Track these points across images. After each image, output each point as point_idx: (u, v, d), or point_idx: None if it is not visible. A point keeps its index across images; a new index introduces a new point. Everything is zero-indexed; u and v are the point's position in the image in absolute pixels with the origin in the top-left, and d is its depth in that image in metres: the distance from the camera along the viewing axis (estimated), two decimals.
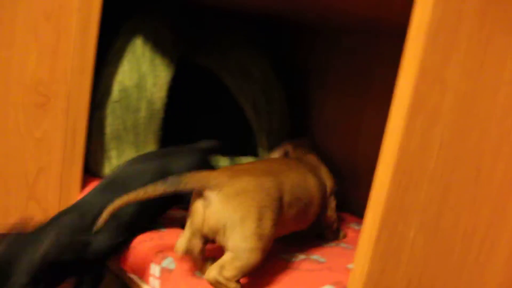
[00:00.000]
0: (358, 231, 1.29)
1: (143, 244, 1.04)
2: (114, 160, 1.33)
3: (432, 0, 0.54)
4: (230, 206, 0.82)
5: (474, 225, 0.71)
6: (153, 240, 1.05)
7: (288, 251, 1.08)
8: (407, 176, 0.61)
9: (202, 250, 0.88)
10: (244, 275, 0.83)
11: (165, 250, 1.01)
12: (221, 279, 0.81)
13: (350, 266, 1.04)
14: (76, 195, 1.25)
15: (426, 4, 0.55)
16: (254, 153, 1.53)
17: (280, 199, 0.88)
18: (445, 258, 0.70)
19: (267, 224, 0.84)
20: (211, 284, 0.82)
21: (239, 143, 1.57)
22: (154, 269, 0.98)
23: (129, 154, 1.33)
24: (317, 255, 1.08)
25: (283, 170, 0.95)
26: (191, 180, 0.82)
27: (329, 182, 1.13)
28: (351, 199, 1.51)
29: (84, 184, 1.29)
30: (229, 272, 0.81)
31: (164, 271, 0.96)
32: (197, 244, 0.87)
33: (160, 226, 1.11)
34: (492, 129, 0.66)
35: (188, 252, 0.88)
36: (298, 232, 1.07)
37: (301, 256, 1.06)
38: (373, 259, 0.64)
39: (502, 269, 0.76)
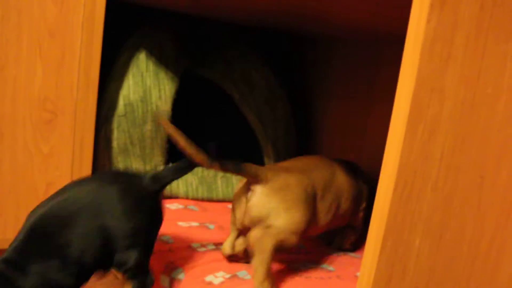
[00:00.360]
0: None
1: (152, 256, 1.04)
2: None
3: (427, 11, 0.55)
4: (275, 198, 0.93)
5: (480, 231, 0.71)
6: (162, 253, 1.05)
7: (298, 260, 1.08)
8: (409, 185, 0.61)
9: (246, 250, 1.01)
10: (281, 250, 0.93)
11: (174, 261, 1.02)
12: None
13: (358, 274, 1.04)
14: None
15: (421, 15, 0.55)
16: (260, 162, 1.53)
17: (314, 194, 0.99)
18: (451, 265, 0.70)
19: (306, 214, 0.95)
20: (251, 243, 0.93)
21: (245, 152, 1.58)
22: (164, 281, 0.99)
23: (137, 167, 1.34)
24: (326, 264, 1.08)
25: (315, 168, 1.05)
26: (249, 170, 0.93)
27: (365, 188, 1.18)
28: None
29: None
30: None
31: (174, 282, 0.97)
32: (241, 244, 1.01)
33: (168, 239, 1.12)
34: (493, 136, 0.66)
35: (234, 252, 1.01)
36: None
37: (311, 265, 1.06)
38: (379, 268, 0.64)
39: (510, 274, 0.75)
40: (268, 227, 0.92)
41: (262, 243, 0.90)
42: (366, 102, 1.49)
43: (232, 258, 1.03)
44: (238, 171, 0.92)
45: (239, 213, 0.96)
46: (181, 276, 0.97)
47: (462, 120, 0.63)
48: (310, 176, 1.00)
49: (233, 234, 1.01)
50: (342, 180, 1.08)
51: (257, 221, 0.93)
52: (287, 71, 1.80)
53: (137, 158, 1.33)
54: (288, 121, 1.59)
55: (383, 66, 1.44)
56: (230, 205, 1.31)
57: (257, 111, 1.50)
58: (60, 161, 1.22)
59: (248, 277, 0.96)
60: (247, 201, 0.94)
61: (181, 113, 1.52)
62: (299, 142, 1.67)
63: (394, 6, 0.81)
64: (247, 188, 0.95)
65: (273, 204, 0.93)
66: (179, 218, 1.27)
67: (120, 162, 1.33)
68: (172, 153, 1.45)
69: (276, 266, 1.02)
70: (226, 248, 1.02)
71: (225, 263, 1.02)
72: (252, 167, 0.93)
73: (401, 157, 0.60)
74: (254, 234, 0.92)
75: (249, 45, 1.58)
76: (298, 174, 0.98)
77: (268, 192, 0.94)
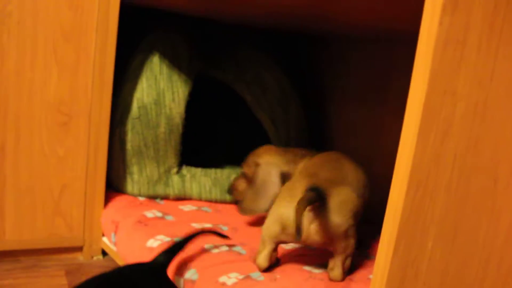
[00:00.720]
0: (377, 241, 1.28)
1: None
2: (136, 176, 1.35)
3: (439, 12, 0.55)
4: (341, 216, 0.95)
5: (494, 235, 0.70)
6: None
7: (312, 262, 1.08)
8: (422, 188, 0.61)
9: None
10: None
11: (188, 262, 1.02)
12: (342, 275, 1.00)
13: (371, 276, 1.03)
14: (99, 210, 1.28)
15: (433, 17, 0.55)
16: None
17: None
18: (464, 268, 0.70)
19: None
20: (339, 281, 1.00)
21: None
22: (178, 282, 0.99)
23: (150, 169, 1.35)
24: None
25: (349, 175, 1.09)
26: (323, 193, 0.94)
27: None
28: (371, 205, 1.50)
29: (107, 199, 1.32)
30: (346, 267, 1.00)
31: (188, 283, 0.97)
32: (275, 256, 1.03)
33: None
34: (507, 138, 0.66)
35: (270, 264, 1.01)
36: None
37: (324, 268, 1.06)
38: (391, 270, 0.64)
39: None
40: (338, 266, 0.99)
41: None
42: (380, 104, 1.49)
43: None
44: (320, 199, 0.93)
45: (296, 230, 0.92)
46: (194, 277, 0.98)
47: (475, 122, 0.62)
48: (351, 187, 1.04)
49: (269, 248, 1.00)
50: (361, 180, 1.13)
51: (329, 240, 0.96)
52: (300, 73, 1.79)
53: (151, 160, 1.34)
54: (301, 123, 1.59)
55: (397, 68, 1.43)
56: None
57: (269, 113, 1.50)
58: (75, 163, 1.24)
59: (262, 278, 0.96)
60: (315, 219, 0.94)
61: (194, 115, 1.53)
62: (311, 144, 1.67)
63: (406, 7, 0.81)
64: (303, 206, 0.90)
65: (342, 222, 0.95)
66: (193, 219, 1.27)
67: (134, 164, 1.34)
68: (185, 155, 1.46)
69: (290, 268, 1.02)
70: (264, 262, 1.00)
71: (238, 264, 1.02)
72: (320, 189, 0.95)
73: (414, 159, 0.59)
74: (339, 275, 0.99)
75: (261, 47, 1.58)
76: (349, 186, 1.03)
77: (339, 210, 0.96)
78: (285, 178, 1.23)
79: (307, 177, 1.02)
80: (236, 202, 1.38)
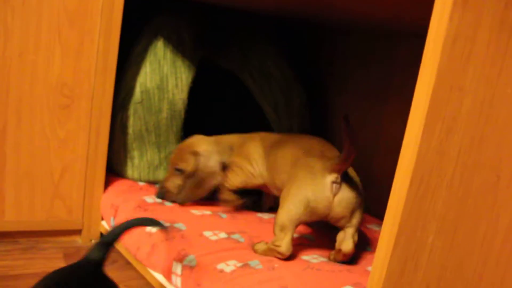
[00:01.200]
0: (378, 233, 1.29)
1: (165, 243, 1.05)
2: (136, 160, 1.35)
3: (450, 8, 0.54)
4: (358, 190, 1.03)
5: (494, 231, 0.71)
6: (175, 239, 1.06)
7: (310, 252, 1.09)
8: (425, 182, 0.61)
9: None
10: None
11: (186, 248, 1.03)
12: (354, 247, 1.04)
13: (369, 268, 1.04)
14: (99, 194, 1.28)
15: (443, 12, 0.55)
16: None
17: None
18: (463, 263, 0.70)
19: None
20: (350, 254, 1.04)
21: None
22: (176, 267, 1.00)
23: (151, 154, 1.35)
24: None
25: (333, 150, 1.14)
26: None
27: None
28: (371, 200, 1.51)
29: (107, 183, 1.32)
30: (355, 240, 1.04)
31: (186, 268, 0.98)
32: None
33: (181, 226, 1.13)
34: (511, 135, 0.66)
35: None
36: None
37: (322, 258, 1.06)
38: (391, 263, 0.64)
39: None
40: (352, 239, 1.03)
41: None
42: (382, 97, 1.49)
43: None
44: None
45: (323, 209, 1.01)
46: (193, 263, 0.98)
47: (481, 118, 0.62)
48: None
49: (291, 233, 1.01)
50: None
51: (345, 215, 1.03)
52: (304, 64, 1.79)
53: (152, 145, 1.34)
54: (303, 113, 1.58)
55: (399, 61, 1.43)
56: None
57: (272, 102, 1.50)
58: (75, 146, 1.24)
59: (260, 266, 0.97)
60: (339, 192, 1.01)
61: (198, 101, 1.53)
62: (313, 134, 1.67)
63: (416, 2, 0.81)
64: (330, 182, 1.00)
65: (357, 199, 1.03)
66: (192, 205, 1.28)
67: (135, 149, 1.34)
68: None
69: (286, 259, 1.03)
70: (289, 248, 1.01)
71: (237, 252, 1.03)
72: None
73: (418, 154, 0.59)
74: (351, 248, 1.03)
75: (266, 37, 1.58)
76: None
77: (355, 184, 1.04)
78: (223, 167, 1.24)
79: (318, 157, 1.04)
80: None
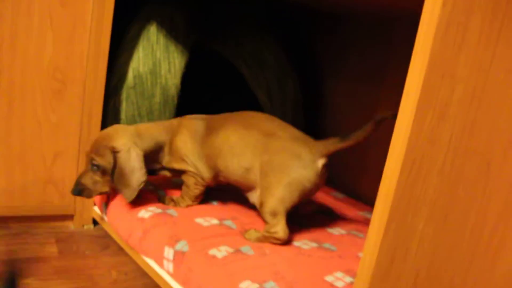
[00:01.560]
0: (370, 220, 1.30)
1: (157, 228, 1.06)
2: None
3: None
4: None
5: (484, 217, 0.71)
6: (167, 225, 1.06)
7: (301, 238, 1.09)
8: (415, 169, 0.62)
9: None
10: None
11: (178, 233, 1.03)
12: None
13: (360, 254, 1.05)
14: None
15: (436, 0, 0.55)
16: None
17: None
18: (454, 250, 0.71)
19: None
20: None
21: None
22: (168, 252, 1.00)
23: None
24: (329, 244, 1.09)
25: None
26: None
27: None
28: (362, 186, 1.51)
29: None
30: None
31: (178, 254, 0.98)
32: None
33: (173, 212, 1.13)
34: (503, 122, 0.66)
35: None
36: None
37: (313, 244, 1.07)
38: (381, 249, 0.65)
39: (511, 262, 0.76)
40: None
41: None
42: (376, 84, 1.49)
43: None
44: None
45: (310, 190, 1.06)
46: (185, 248, 0.98)
47: (472, 106, 0.63)
48: None
49: (285, 217, 1.04)
50: None
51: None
52: (298, 51, 1.78)
53: None
54: (297, 100, 1.58)
55: (395, 46, 1.43)
56: None
57: (266, 88, 1.49)
58: (68, 130, 1.23)
59: (252, 252, 0.97)
60: (323, 175, 1.07)
61: (191, 87, 1.52)
62: (306, 120, 1.67)
63: None
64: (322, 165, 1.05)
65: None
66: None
67: None
68: None
69: (278, 245, 1.03)
70: (287, 232, 1.03)
71: (228, 237, 1.03)
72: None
73: (409, 140, 0.60)
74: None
75: (261, 23, 1.57)
76: None
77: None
78: (146, 158, 1.12)
79: (285, 138, 1.07)
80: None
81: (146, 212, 1.11)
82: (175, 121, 1.19)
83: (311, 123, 1.71)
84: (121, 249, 1.19)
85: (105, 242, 1.23)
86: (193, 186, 1.16)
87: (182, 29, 1.36)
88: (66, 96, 1.21)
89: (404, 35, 1.40)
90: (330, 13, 1.59)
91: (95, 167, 1.10)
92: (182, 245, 0.99)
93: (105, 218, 1.22)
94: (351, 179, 1.55)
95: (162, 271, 1.02)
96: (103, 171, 1.10)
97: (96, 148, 1.10)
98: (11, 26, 1.12)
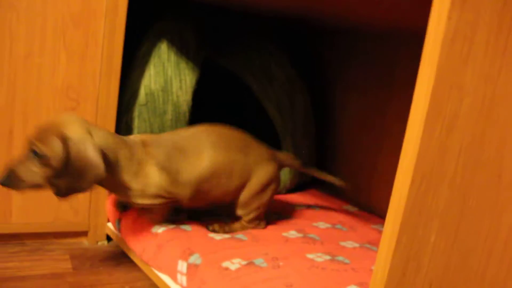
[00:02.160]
0: (375, 234, 1.29)
1: (170, 242, 1.06)
2: None
3: (448, 7, 0.55)
4: None
5: (497, 229, 0.71)
6: (180, 239, 1.07)
7: (314, 250, 1.09)
8: (426, 181, 0.62)
9: None
10: None
11: (191, 247, 1.04)
12: None
13: (373, 267, 1.04)
14: (105, 195, 1.29)
15: (441, 12, 0.55)
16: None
17: None
18: (466, 262, 0.70)
19: None
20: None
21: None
22: (182, 266, 1.01)
23: None
24: (342, 257, 1.09)
25: None
26: None
27: None
28: (375, 198, 1.51)
29: None
30: None
31: (191, 267, 0.98)
32: None
33: (187, 227, 1.14)
34: None
35: None
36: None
37: (326, 257, 1.07)
38: (393, 262, 0.65)
39: None
40: None
41: None
42: (384, 97, 1.49)
43: None
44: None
45: None
46: (198, 261, 0.99)
47: (481, 117, 0.63)
48: None
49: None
50: None
51: None
52: (306, 64, 1.79)
53: None
54: (307, 114, 1.59)
55: (401, 61, 1.43)
56: None
57: (275, 102, 1.50)
58: None
59: (265, 264, 0.97)
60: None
61: (202, 103, 1.53)
62: (317, 135, 1.67)
63: (415, 2, 0.81)
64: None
65: None
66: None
67: None
68: None
69: (292, 255, 1.03)
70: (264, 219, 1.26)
71: (241, 250, 1.04)
72: None
73: (419, 153, 0.60)
74: None
75: (269, 37, 1.58)
76: None
77: None
78: (107, 159, 0.96)
79: (259, 152, 1.19)
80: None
81: (159, 228, 1.12)
82: (131, 142, 1.03)
83: (321, 134, 1.71)
84: (135, 264, 1.20)
85: (119, 258, 1.23)
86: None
87: (192, 46, 1.38)
88: (79, 114, 1.22)
89: (409, 50, 1.40)
90: (335, 28, 1.60)
91: (35, 155, 0.92)
92: (195, 258, 1.00)
93: (119, 234, 1.23)
94: (362, 191, 1.54)
95: (176, 286, 1.02)
96: (44, 162, 0.92)
97: (41, 134, 0.92)
98: (26, 46, 1.14)
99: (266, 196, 1.18)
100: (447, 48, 0.56)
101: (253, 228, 1.20)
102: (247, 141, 1.18)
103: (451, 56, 0.57)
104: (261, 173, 1.16)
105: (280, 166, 1.24)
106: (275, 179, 1.19)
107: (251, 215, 1.18)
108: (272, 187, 1.19)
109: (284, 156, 1.26)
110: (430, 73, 0.57)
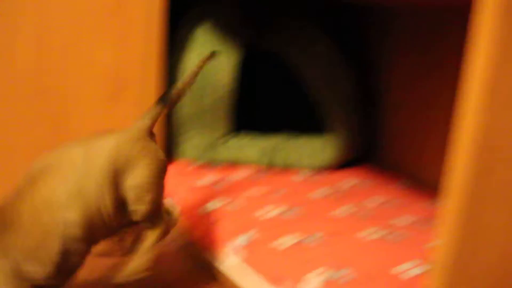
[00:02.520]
0: (429, 210, 1.26)
1: (217, 223, 1.08)
2: (183, 145, 1.37)
3: None
4: None
5: None
6: (227, 220, 1.08)
7: (365, 228, 1.07)
8: (484, 162, 0.59)
9: None
10: None
11: (239, 227, 1.05)
12: None
13: (428, 245, 1.02)
14: None
15: None
16: (318, 129, 1.53)
17: None
18: None
19: None
20: None
21: (303, 126, 1.58)
22: (229, 247, 1.02)
23: (198, 139, 1.36)
24: (396, 233, 1.07)
25: None
26: None
27: None
28: (423, 169, 1.48)
29: None
30: None
31: (239, 248, 1.00)
32: None
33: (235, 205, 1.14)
34: None
35: None
36: None
37: (379, 233, 1.05)
38: (450, 244, 0.63)
39: None
40: None
41: None
42: (434, 77, 1.43)
43: None
44: None
45: None
46: (245, 241, 1.00)
47: None
48: None
49: None
50: None
51: None
52: (353, 46, 1.75)
53: (199, 130, 1.36)
54: (351, 94, 1.55)
55: (452, 39, 1.37)
56: None
57: (318, 83, 1.47)
58: None
59: (315, 243, 0.97)
60: None
61: (243, 85, 1.52)
62: (360, 115, 1.63)
63: None
64: None
65: None
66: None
67: (181, 135, 1.36)
68: (241, 121, 1.47)
69: (343, 234, 1.02)
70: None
71: (295, 225, 1.03)
72: None
73: (476, 130, 0.57)
74: None
75: (312, 17, 1.55)
76: None
77: None
78: None
79: None
80: None
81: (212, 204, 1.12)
82: None
83: (366, 120, 1.68)
84: (184, 244, 1.21)
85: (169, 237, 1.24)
86: None
87: (233, 27, 1.37)
88: (121, 101, 1.23)
89: (460, 27, 1.34)
90: (384, 8, 1.55)
91: None
92: (243, 239, 1.00)
93: None
94: (412, 162, 1.51)
95: (229, 262, 1.02)
96: None
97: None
98: (65, 32, 1.14)
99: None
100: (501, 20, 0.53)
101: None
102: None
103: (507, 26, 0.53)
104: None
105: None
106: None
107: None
108: None
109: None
110: (486, 46, 0.54)
